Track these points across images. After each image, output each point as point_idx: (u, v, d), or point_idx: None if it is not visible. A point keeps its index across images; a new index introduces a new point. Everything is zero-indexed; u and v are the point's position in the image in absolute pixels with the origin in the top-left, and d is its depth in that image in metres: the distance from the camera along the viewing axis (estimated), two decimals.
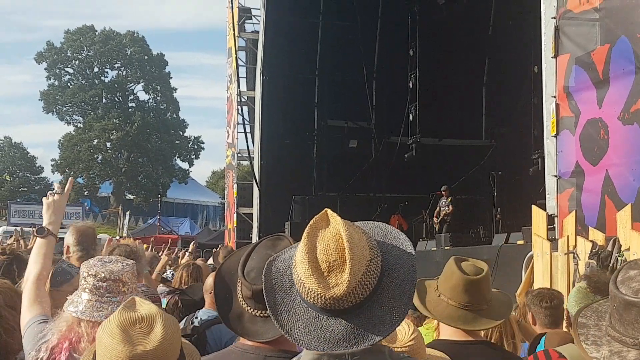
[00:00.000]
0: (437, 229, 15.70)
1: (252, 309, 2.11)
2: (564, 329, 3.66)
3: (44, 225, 2.93)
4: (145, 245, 12.10)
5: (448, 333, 2.69)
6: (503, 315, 2.71)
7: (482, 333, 2.85)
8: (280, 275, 1.65)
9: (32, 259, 2.81)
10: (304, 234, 1.57)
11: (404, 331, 2.32)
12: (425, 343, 3.60)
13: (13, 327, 2.53)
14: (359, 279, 1.51)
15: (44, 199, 3.00)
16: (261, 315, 2.09)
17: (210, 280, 4.59)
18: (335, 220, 1.58)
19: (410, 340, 2.29)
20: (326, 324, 1.53)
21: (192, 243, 12.18)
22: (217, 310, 2.24)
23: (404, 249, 1.64)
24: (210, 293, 4.48)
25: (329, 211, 1.61)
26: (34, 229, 3.47)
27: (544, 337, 3.42)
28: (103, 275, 2.39)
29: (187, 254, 11.49)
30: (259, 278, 2.05)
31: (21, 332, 2.53)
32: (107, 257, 2.53)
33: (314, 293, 1.52)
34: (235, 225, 22.13)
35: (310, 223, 1.59)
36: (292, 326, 1.57)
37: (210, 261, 10.00)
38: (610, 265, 6.24)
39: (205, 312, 4.47)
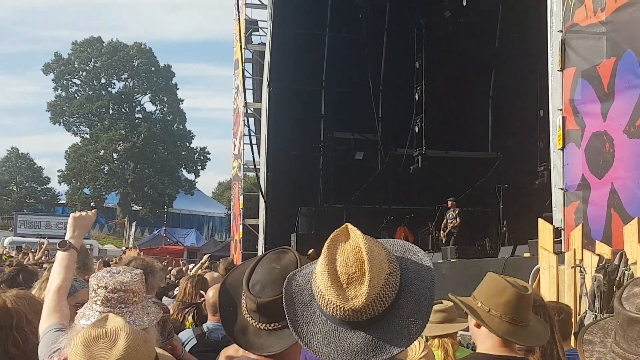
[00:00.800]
0: (443, 241, 15.67)
1: (256, 322, 2.11)
2: (572, 343, 3.65)
3: (66, 239, 2.99)
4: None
5: (488, 348, 2.65)
6: (546, 332, 2.71)
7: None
8: (300, 289, 1.68)
9: (54, 270, 2.88)
10: (324, 247, 1.60)
11: (415, 347, 2.32)
12: (462, 356, 3.60)
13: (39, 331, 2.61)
14: (378, 292, 1.53)
15: (71, 214, 3.10)
16: (266, 328, 2.09)
17: (210, 292, 4.58)
18: (355, 234, 1.60)
19: (421, 357, 2.29)
20: (345, 336, 1.55)
21: (207, 255, 12.14)
22: (222, 323, 2.24)
23: (423, 263, 1.66)
24: (212, 304, 4.49)
25: (350, 225, 1.64)
26: (47, 241, 3.56)
27: None
28: (114, 286, 2.41)
29: (195, 267, 11.47)
30: (263, 291, 2.05)
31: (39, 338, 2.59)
32: (114, 269, 2.55)
33: (333, 305, 1.54)
34: (241, 236, 22.12)
35: (331, 236, 1.61)
36: (311, 338, 1.59)
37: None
38: (617, 279, 6.21)
39: (213, 324, 4.46)
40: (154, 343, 2.14)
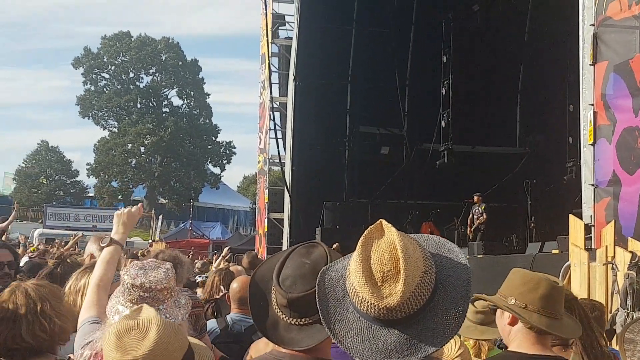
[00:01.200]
0: (470, 237, 15.55)
1: (287, 317, 2.10)
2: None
3: (111, 235, 3.09)
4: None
5: (523, 347, 2.57)
6: (578, 325, 2.65)
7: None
8: (333, 284, 1.66)
9: (97, 265, 2.97)
10: (359, 244, 1.58)
11: (451, 346, 2.30)
12: (487, 356, 3.55)
13: (64, 316, 2.68)
14: (413, 290, 1.51)
15: (115, 212, 3.21)
16: (297, 323, 2.07)
17: (235, 284, 4.57)
18: (390, 231, 1.58)
19: (457, 356, 2.26)
20: (379, 334, 1.54)
21: (227, 248, 12.21)
22: (252, 318, 2.22)
23: (459, 261, 1.63)
24: (238, 298, 4.48)
25: (384, 222, 1.61)
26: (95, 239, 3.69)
27: None
28: (148, 286, 2.42)
29: (219, 258, 11.53)
30: (294, 286, 2.04)
31: (76, 327, 2.69)
32: (146, 264, 2.54)
33: (368, 302, 1.52)
34: (266, 230, 22.19)
35: (365, 233, 1.59)
36: (344, 335, 1.58)
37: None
38: None
39: (237, 316, 4.44)
40: (186, 334, 2.14)
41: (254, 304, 2.21)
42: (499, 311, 2.63)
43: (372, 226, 1.61)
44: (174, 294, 2.49)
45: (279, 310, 2.12)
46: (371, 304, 1.52)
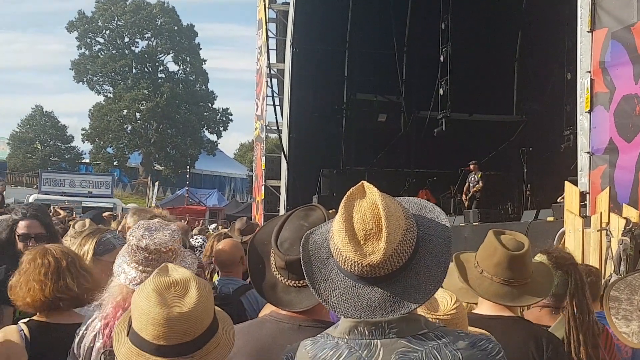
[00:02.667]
0: (465, 205, 15.61)
1: (285, 279, 2.13)
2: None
3: None
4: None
5: (484, 308, 2.65)
6: (547, 291, 2.68)
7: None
8: (317, 247, 1.68)
9: None
10: (341, 204, 1.60)
11: (446, 302, 2.33)
12: None
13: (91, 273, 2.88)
14: (395, 247, 1.54)
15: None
16: (295, 285, 2.10)
17: (219, 247, 4.58)
18: (372, 191, 1.60)
19: (452, 310, 2.29)
20: (363, 292, 1.56)
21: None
22: (252, 281, 2.26)
23: (439, 221, 1.66)
24: (222, 261, 4.49)
25: (365, 183, 1.64)
26: None
27: None
28: (154, 248, 2.44)
29: (212, 226, 11.57)
30: (292, 249, 2.06)
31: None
32: (152, 224, 2.56)
33: (351, 261, 1.55)
34: (263, 197, 22.24)
35: (347, 194, 1.62)
36: (329, 295, 1.60)
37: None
38: None
39: (224, 279, 4.44)
40: None
41: (252, 266, 2.24)
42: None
43: (353, 187, 1.63)
44: (180, 255, 2.51)
45: (277, 272, 2.14)
46: (354, 262, 1.54)
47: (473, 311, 2.67)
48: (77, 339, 2.54)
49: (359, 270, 1.55)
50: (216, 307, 1.93)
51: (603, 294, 2.89)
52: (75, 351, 2.53)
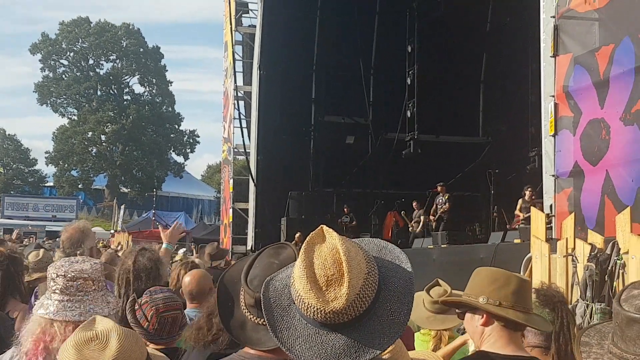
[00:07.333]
0: (433, 227, 15.71)
1: (254, 317, 2.09)
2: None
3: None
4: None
5: (496, 345, 2.51)
6: (547, 320, 2.66)
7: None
8: (278, 293, 1.67)
9: None
10: (301, 251, 1.59)
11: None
12: (426, 350, 3.56)
13: None
14: (358, 292, 1.53)
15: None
16: (264, 323, 2.06)
17: (187, 279, 4.48)
18: (332, 236, 1.59)
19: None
20: (326, 339, 1.55)
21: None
22: (220, 319, 2.20)
23: (400, 263, 1.65)
24: (189, 291, 4.40)
25: (325, 227, 1.63)
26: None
27: None
28: (73, 274, 2.38)
29: (181, 251, 11.43)
30: (261, 286, 2.02)
31: None
32: (73, 258, 2.52)
33: (314, 308, 1.53)
34: (231, 220, 22.10)
35: (307, 240, 1.60)
36: (292, 343, 1.58)
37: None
38: (609, 268, 6.23)
39: (193, 312, 4.33)
40: (143, 342, 2.12)
41: (222, 304, 2.20)
42: (468, 314, 2.58)
43: (313, 232, 1.62)
44: (103, 290, 2.45)
45: (246, 310, 2.11)
46: (317, 309, 1.53)
47: (483, 349, 2.55)
48: None
49: (322, 317, 1.53)
50: (154, 353, 1.90)
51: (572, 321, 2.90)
52: None
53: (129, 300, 3.23)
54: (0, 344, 2.95)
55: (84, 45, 53.14)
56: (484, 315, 2.50)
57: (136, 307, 3.15)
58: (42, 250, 5.54)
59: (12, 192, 46.49)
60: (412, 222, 17.29)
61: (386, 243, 1.72)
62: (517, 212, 13.20)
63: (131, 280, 3.66)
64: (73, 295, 2.35)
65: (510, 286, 2.49)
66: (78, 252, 4.96)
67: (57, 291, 2.37)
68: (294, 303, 1.60)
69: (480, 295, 2.50)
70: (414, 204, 17.24)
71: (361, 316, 1.54)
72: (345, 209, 18.77)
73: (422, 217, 16.60)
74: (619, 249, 6.34)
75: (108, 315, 2.32)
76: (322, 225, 1.63)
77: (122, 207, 38.05)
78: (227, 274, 2.26)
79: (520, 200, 13.12)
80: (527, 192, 12.92)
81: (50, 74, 53.33)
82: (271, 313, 1.63)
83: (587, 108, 7.80)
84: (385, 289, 1.59)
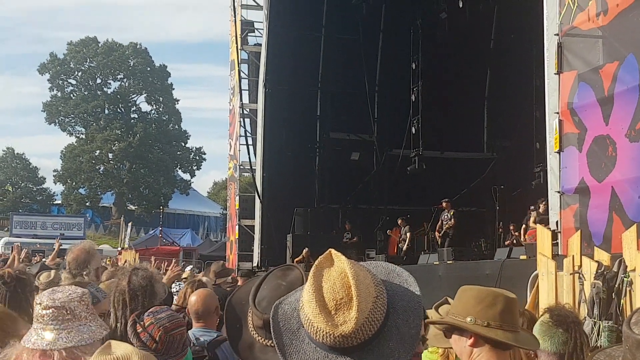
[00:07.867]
0: (439, 243, 15.69)
1: (262, 339, 2.10)
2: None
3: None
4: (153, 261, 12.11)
5: None
6: (534, 337, 2.62)
7: None
8: (287, 317, 1.67)
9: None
10: (310, 274, 1.59)
11: None
12: None
13: None
14: (367, 316, 1.53)
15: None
16: (272, 344, 2.07)
17: (193, 298, 4.51)
18: (340, 260, 1.60)
19: None
20: None
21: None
22: (229, 340, 2.23)
23: (408, 286, 1.66)
24: (195, 311, 4.42)
25: (333, 251, 1.63)
26: None
27: None
28: (47, 303, 2.37)
29: (188, 268, 11.44)
30: (270, 307, 2.04)
31: None
32: (60, 287, 2.51)
33: (323, 332, 1.53)
34: (237, 237, 22.11)
35: (315, 263, 1.61)
36: None
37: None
38: (616, 286, 6.20)
39: (200, 331, 4.36)
40: None
41: (230, 326, 2.22)
42: (455, 335, 2.52)
43: (321, 256, 1.63)
44: (81, 320, 2.40)
45: (254, 332, 2.12)
46: (326, 333, 1.53)
47: None
48: None
49: (331, 341, 1.53)
50: None
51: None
52: None
53: (129, 324, 3.19)
54: None
55: (92, 65, 53.52)
56: (472, 337, 2.45)
57: (139, 329, 3.12)
58: (53, 272, 5.56)
59: (20, 211, 46.62)
60: (400, 239, 17.23)
61: (394, 266, 1.72)
62: (531, 224, 13.14)
63: (127, 301, 3.66)
64: (46, 323, 2.33)
65: (497, 306, 2.44)
66: (84, 272, 4.98)
67: (38, 319, 2.37)
68: (303, 327, 1.60)
69: (467, 316, 2.45)
70: (399, 221, 17.18)
71: (370, 340, 1.54)
72: (346, 226, 18.80)
73: (407, 234, 16.55)
74: (626, 266, 6.32)
75: (78, 343, 2.29)
76: (330, 249, 1.64)
77: (129, 224, 38.03)
78: (234, 296, 2.28)
79: (534, 213, 13.10)
80: (542, 205, 12.76)
81: (59, 94, 53.68)
82: (280, 337, 1.63)
83: (592, 125, 7.81)
84: (393, 312, 1.59)
